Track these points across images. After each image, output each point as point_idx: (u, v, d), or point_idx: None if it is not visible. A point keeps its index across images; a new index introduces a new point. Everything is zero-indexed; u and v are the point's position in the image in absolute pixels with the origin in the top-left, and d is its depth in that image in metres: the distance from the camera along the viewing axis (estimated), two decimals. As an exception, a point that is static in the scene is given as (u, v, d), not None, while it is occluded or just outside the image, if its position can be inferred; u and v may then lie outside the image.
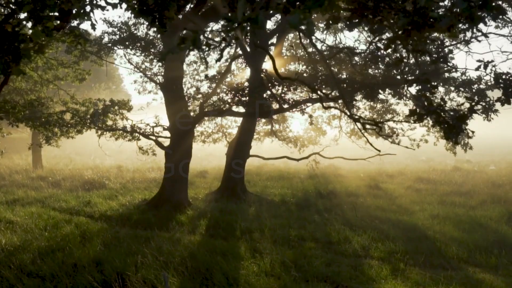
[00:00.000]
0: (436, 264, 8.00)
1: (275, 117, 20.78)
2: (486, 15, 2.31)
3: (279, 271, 7.08)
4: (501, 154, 31.50)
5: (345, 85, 9.11)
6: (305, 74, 10.24)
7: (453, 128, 3.23)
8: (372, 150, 18.20)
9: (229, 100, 12.07)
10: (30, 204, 12.80)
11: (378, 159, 21.42)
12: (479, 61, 3.82)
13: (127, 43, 13.69)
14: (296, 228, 10.28)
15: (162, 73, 13.73)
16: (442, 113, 3.19)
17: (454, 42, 10.36)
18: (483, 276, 7.28)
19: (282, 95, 11.36)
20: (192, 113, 13.78)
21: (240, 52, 15.60)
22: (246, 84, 12.02)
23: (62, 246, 8.27)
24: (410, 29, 2.20)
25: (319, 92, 8.29)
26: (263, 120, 20.16)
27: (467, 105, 13.69)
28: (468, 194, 15.28)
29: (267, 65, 14.13)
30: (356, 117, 8.56)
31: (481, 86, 9.86)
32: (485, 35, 5.49)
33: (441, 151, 19.36)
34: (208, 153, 30.98)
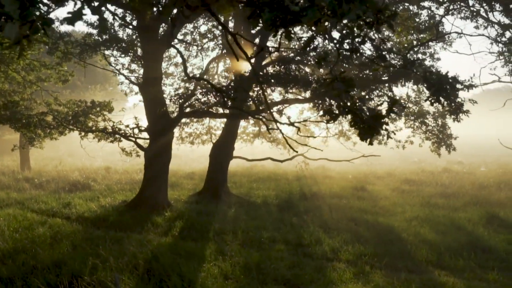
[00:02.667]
0: (403, 267, 7.90)
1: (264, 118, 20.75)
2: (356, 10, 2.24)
3: (238, 274, 7.02)
4: (495, 156, 31.29)
5: (314, 85, 9.06)
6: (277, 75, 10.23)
7: (370, 129, 3.16)
8: (359, 151, 18.13)
9: (208, 101, 12.04)
10: (9, 206, 12.77)
11: (366, 161, 21.35)
12: (407, 59, 3.75)
13: (108, 44, 13.67)
14: (270, 230, 10.21)
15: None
16: (359, 113, 3.12)
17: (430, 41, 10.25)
18: (447, 279, 7.18)
19: (259, 95, 11.32)
20: (173, 114, 13.74)
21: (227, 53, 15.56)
22: (225, 84, 11.99)
23: (29, 248, 8.22)
24: (278, 24, 2.14)
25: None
26: (251, 121, 20.14)
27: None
28: (452, 196, 15.17)
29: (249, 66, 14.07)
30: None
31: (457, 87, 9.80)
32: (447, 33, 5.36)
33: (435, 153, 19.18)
34: (200, 155, 30.91)
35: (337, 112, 3.14)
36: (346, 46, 4.88)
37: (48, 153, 31.13)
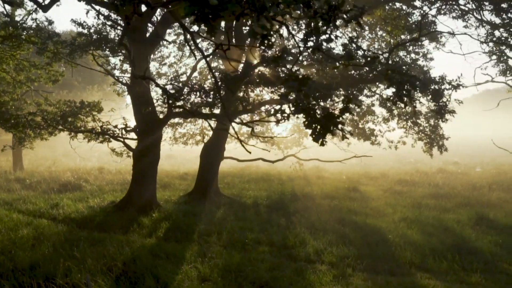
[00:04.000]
0: (386, 269, 7.79)
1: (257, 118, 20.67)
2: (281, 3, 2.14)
3: (216, 276, 6.92)
4: (492, 156, 31.06)
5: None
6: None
7: (323, 129, 3.06)
8: (352, 152, 18.02)
9: (195, 101, 11.96)
10: (-4, 206, 12.70)
11: (361, 161, 21.23)
12: (364, 56, 3.65)
13: (97, 44, 13.61)
14: (256, 231, 10.11)
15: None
16: (312, 113, 3.02)
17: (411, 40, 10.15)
18: (428, 282, 7.08)
19: (246, 96, 11.24)
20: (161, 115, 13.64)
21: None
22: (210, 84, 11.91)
23: (9, 249, 8.15)
24: (199, 19, 2.05)
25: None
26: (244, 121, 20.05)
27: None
28: (444, 197, 15.04)
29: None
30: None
31: (436, 87, 9.68)
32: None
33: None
34: (196, 155, 30.82)
35: (288, 112, 3.04)
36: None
37: (44, 153, 31.08)
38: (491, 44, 12.02)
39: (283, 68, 10.29)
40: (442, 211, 12.81)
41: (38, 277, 6.40)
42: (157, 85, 7.74)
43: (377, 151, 18.17)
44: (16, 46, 13.63)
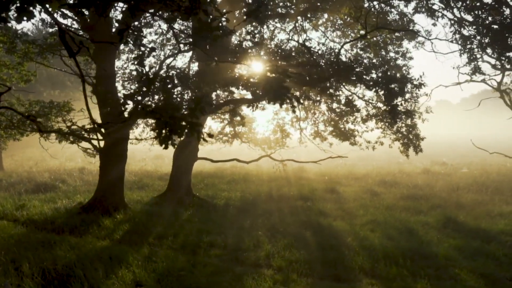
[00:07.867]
0: (333, 274, 7.55)
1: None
2: None
3: (152, 281, 6.73)
4: (482, 156, 30.50)
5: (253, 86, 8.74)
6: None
7: (171, 131, 2.85)
8: (333, 152, 17.73)
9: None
10: (-40, 208, 12.59)
11: (345, 161, 20.93)
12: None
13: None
14: (213, 234, 9.90)
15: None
16: (163, 115, 2.82)
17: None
18: (370, 288, 6.85)
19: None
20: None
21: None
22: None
23: (-47, 252, 8.00)
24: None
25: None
26: (225, 121, 19.84)
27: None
28: (421, 198, 14.75)
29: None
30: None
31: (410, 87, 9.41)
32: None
33: (420, 154, 18.52)
34: (184, 155, 30.66)
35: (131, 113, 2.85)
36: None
37: (32, 154, 31.02)
38: (459, 42, 11.71)
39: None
40: (414, 213, 12.55)
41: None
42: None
43: (368, 151, 17.84)
44: (-17, 45, 13.51)
